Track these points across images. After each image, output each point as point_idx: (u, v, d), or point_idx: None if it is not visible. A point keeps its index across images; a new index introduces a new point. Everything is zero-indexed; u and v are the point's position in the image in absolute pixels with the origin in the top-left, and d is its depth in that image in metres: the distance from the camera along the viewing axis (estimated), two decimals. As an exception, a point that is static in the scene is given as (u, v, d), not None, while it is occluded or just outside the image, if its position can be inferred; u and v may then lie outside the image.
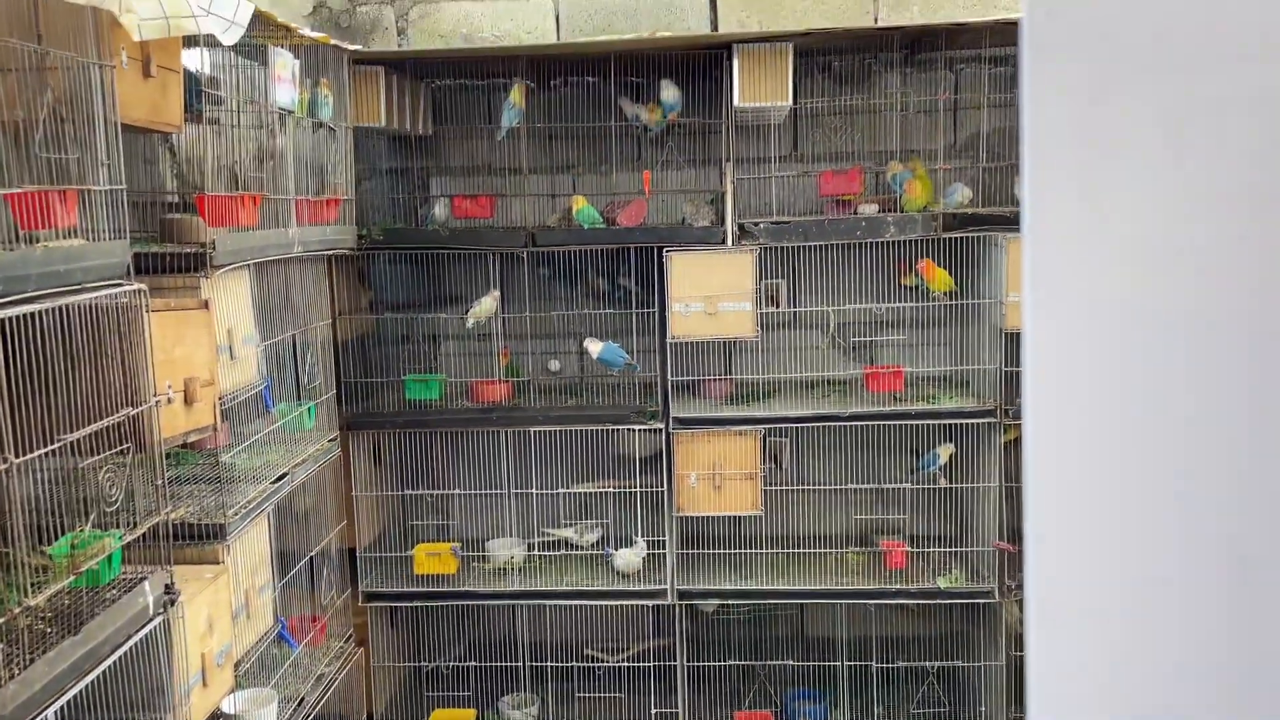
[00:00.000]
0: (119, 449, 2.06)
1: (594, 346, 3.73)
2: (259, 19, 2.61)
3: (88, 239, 2.03)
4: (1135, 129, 0.68)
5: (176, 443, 2.34)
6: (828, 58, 3.92)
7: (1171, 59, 0.67)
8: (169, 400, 2.22)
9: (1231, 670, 0.65)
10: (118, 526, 2.08)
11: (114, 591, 2.06)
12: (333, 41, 3.19)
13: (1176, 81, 0.67)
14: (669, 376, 3.73)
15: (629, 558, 3.75)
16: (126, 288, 2.07)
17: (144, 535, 2.14)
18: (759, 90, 3.44)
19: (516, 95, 3.64)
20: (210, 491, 2.66)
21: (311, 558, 3.25)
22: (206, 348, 2.38)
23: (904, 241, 3.64)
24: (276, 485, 2.83)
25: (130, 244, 2.16)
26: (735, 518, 3.87)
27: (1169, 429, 0.69)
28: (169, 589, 2.20)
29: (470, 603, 3.79)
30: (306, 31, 2.99)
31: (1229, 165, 0.64)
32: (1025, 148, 0.71)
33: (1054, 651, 0.75)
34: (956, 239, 3.62)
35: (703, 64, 3.69)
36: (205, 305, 2.40)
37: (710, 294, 3.59)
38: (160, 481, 2.15)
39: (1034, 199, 0.72)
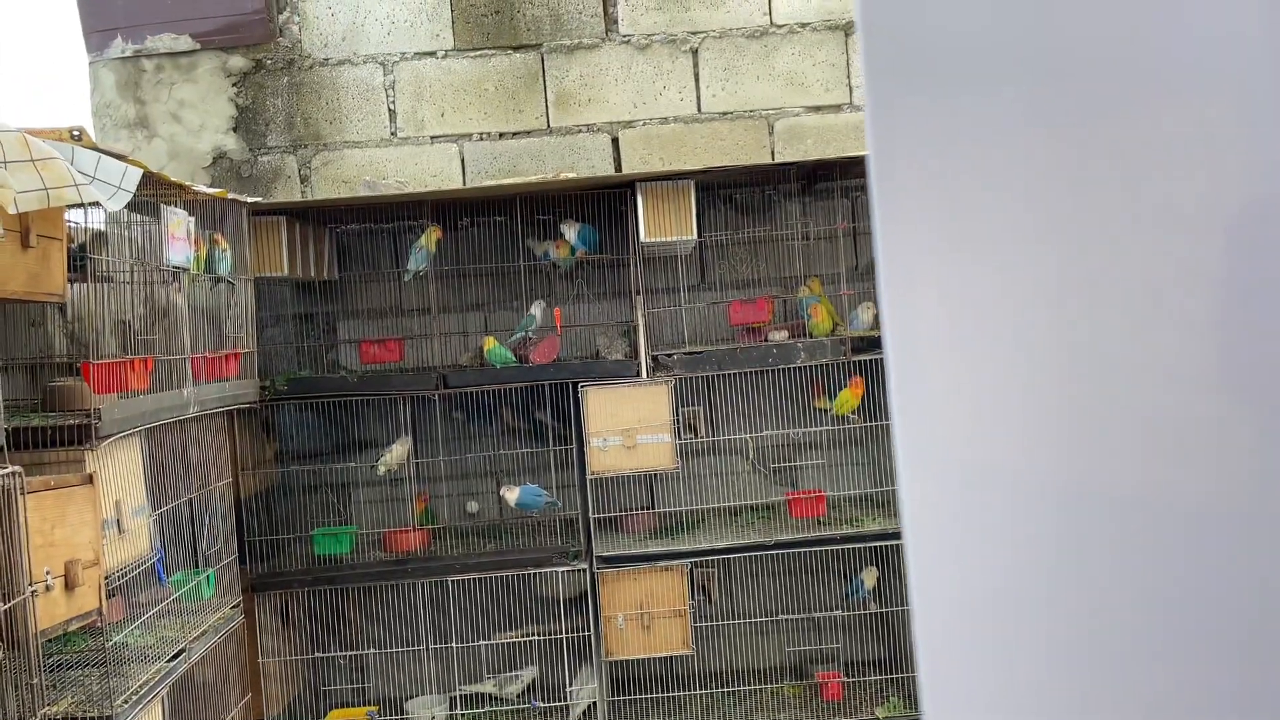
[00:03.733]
0: (-12, 648, 1.88)
1: (510, 494, 3.64)
2: (150, 178, 2.55)
3: (-44, 421, 1.90)
4: (991, 232, 0.70)
5: (56, 633, 2.16)
6: (729, 191, 4.02)
7: (1023, 171, 0.69)
8: (47, 588, 2.05)
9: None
10: (-13, 734, 1.88)
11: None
12: (230, 195, 3.14)
13: (1028, 190, 0.69)
14: (590, 513, 3.64)
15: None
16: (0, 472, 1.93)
17: (19, 738, 1.94)
18: (664, 225, 3.49)
19: (427, 240, 3.62)
20: (97, 677, 2.45)
21: (213, 739, 3.01)
22: (90, 525, 2.23)
23: (816, 366, 3.68)
24: (172, 664, 2.63)
25: (8, 416, 2.03)
26: (667, 658, 3.73)
27: (1041, 528, 0.71)
28: (46, 799, 1.99)
29: (390, 771, 3.55)
30: (201, 188, 2.93)
31: (1082, 268, 0.67)
32: (879, 256, 0.74)
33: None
34: (865, 361, 3.66)
35: (609, 201, 3.74)
36: (89, 480, 2.25)
37: (628, 427, 3.54)
38: (37, 680, 1.97)
39: (891, 305, 0.73)
